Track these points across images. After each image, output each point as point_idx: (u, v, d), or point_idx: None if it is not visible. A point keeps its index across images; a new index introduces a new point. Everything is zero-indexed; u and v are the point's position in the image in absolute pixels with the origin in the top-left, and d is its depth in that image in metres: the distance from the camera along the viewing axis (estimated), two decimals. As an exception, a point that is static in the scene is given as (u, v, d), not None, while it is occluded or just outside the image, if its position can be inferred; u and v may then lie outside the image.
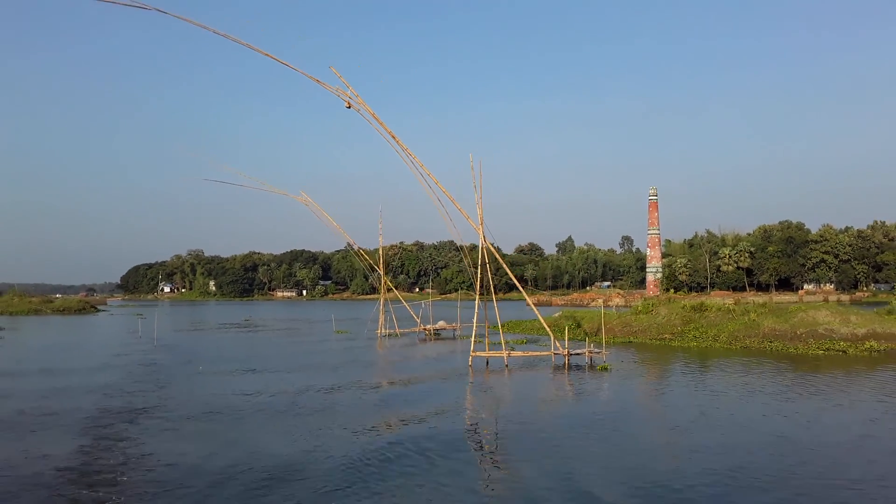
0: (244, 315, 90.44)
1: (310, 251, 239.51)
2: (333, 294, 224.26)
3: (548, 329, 30.09)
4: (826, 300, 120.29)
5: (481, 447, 15.20)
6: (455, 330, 47.50)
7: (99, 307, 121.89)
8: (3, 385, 24.02)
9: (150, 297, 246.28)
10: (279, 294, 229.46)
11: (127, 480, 12.27)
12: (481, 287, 28.75)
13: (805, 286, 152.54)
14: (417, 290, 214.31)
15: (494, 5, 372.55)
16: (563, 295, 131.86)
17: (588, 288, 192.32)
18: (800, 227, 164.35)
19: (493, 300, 29.53)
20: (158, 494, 11.44)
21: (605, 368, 26.76)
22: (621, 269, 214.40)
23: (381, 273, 46.22)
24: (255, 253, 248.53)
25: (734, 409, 18.92)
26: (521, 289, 30.89)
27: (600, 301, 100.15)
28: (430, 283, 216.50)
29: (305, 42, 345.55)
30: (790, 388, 22.42)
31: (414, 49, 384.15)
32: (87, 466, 13.25)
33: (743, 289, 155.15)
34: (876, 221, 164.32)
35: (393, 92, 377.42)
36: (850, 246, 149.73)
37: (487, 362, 29.19)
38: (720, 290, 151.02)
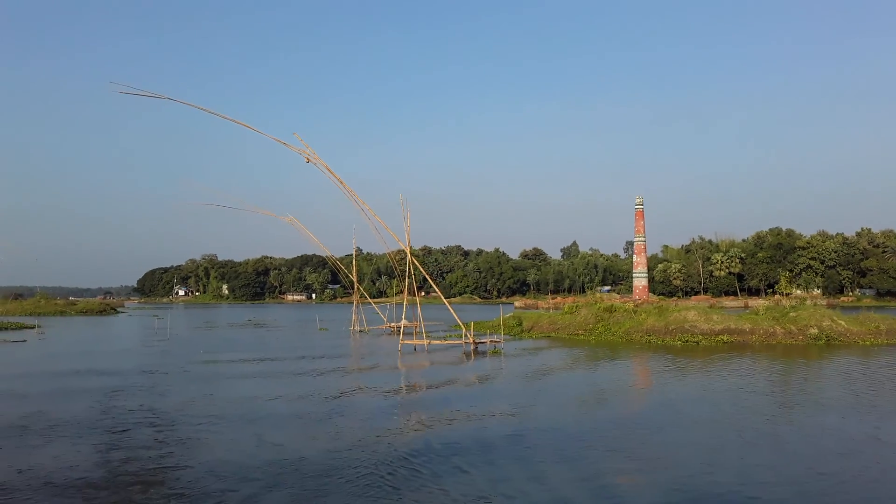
0: (249, 317, 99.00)
1: (320, 255, 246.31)
2: (342, 297, 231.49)
3: (460, 323, 38.50)
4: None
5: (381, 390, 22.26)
6: (415, 327, 55.39)
7: (118, 309, 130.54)
8: (46, 370, 30.78)
9: (165, 300, 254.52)
10: (290, 297, 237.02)
11: (154, 483, 12.07)
12: (411, 292, 36.99)
13: (794, 291, 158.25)
14: (423, 293, 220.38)
15: (504, 11, 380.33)
16: (551, 299, 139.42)
17: (587, 292, 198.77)
18: (790, 233, 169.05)
19: (416, 303, 37.54)
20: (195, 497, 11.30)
21: (497, 353, 35.31)
22: (621, 274, 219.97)
23: (354, 280, 53.98)
24: (267, 257, 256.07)
25: (565, 373, 26.96)
26: (438, 292, 38.98)
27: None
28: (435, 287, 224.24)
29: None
30: (611, 362, 31.51)
31: (427, 54, 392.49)
32: (117, 468, 13.14)
33: (735, 293, 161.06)
34: (862, 228, 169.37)
35: (403, 98, 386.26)
36: (835, 252, 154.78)
37: (415, 348, 37.58)
38: (712, 294, 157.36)
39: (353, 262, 56.27)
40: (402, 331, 37.90)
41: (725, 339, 37.62)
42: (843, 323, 38.07)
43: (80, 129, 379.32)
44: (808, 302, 47.63)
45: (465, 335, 36.85)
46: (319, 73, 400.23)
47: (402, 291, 58.22)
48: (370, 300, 58.56)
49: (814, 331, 37.23)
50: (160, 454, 14.01)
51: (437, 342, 38.68)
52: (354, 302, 54.10)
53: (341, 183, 32.97)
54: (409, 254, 35.70)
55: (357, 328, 54.48)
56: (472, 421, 17.23)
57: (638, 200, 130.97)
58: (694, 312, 40.11)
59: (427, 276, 37.09)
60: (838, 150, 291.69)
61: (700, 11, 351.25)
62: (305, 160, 30.99)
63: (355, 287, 54.24)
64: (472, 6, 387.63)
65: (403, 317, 38.01)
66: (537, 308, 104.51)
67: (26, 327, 63.54)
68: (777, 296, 46.51)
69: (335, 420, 17.49)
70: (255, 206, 56.62)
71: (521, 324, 49.05)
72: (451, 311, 38.33)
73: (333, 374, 27.60)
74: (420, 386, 22.52)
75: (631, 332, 41.08)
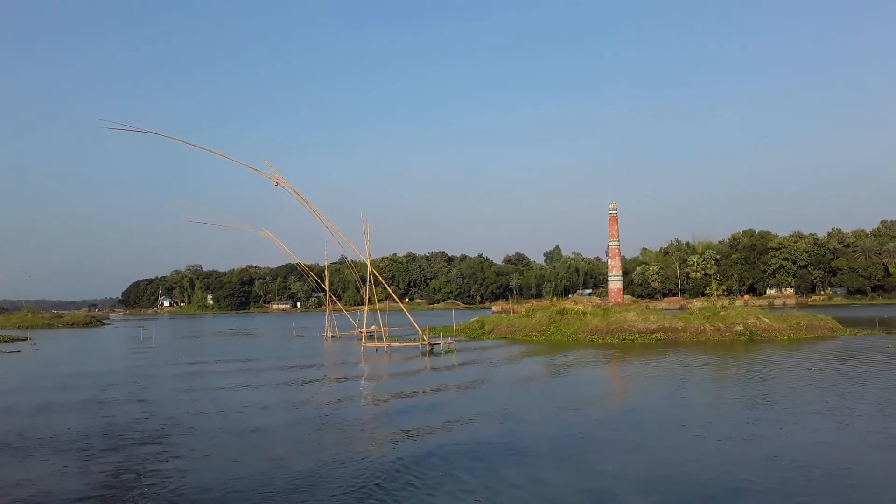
0: (232, 326, 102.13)
1: (304, 264, 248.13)
2: (325, 306, 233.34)
3: (417, 326, 42.72)
4: (771, 305, 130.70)
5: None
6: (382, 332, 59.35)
7: (104, 321, 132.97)
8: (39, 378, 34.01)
9: (150, 311, 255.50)
10: (275, 306, 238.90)
11: (142, 493, 12.17)
12: (372, 301, 40.96)
13: (768, 291, 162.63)
14: (407, 300, 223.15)
15: (486, 15, 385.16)
16: (519, 303, 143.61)
17: (570, 296, 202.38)
18: (763, 234, 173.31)
19: (375, 309, 41.34)
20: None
21: (449, 352, 39.63)
22: (602, 277, 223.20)
23: (327, 290, 57.69)
24: (251, 267, 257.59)
25: (510, 371, 30.33)
26: (396, 299, 42.87)
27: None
28: (420, 293, 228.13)
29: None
30: (547, 356, 35.74)
31: (412, 59, 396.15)
32: (104, 480, 13.17)
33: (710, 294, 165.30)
34: (833, 229, 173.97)
35: (389, 106, 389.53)
36: (806, 252, 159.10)
37: (376, 350, 41.77)
38: (689, 295, 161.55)
39: (326, 273, 60.04)
40: (364, 336, 42.04)
41: (659, 336, 41.42)
42: (766, 320, 41.86)
43: (63, 144, 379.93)
44: (738, 303, 51.39)
45: (422, 337, 40.91)
46: (306, 80, 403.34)
47: (384, 298, 61.64)
48: (342, 308, 62.83)
49: (739, 328, 41.01)
50: (149, 462, 14.31)
51: (397, 344, 42.77)
52: (327, 310, 58.04)
53: (306, 203, 36.52)
54: (369, 266, 39.39)
55: (330, 334, 58.34)
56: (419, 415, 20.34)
57: (612, 206, 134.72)
58: (633, 313, 43.84)
59: (386, 286, 40.89)
60: (817, 152, 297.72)
61: (681, 15, 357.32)
62: (274, 184, 34.39)
63: (327, 296, 57.93)
64: (450, 13, 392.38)
65: (365, 322, 42.42)
66: (513, 312, 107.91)
67: (18, 339, 66.51)
68: (714, 297, 50.06)
69: (318, 424, 18.19)
70: (235, 222, 60.31)
71: (483, 326, 53.12)
72: (409, 316, 42.69)
73: (305, 374, 30.62)
74: (382, 397, 23.57)
75: (578, 332, 44.71)
